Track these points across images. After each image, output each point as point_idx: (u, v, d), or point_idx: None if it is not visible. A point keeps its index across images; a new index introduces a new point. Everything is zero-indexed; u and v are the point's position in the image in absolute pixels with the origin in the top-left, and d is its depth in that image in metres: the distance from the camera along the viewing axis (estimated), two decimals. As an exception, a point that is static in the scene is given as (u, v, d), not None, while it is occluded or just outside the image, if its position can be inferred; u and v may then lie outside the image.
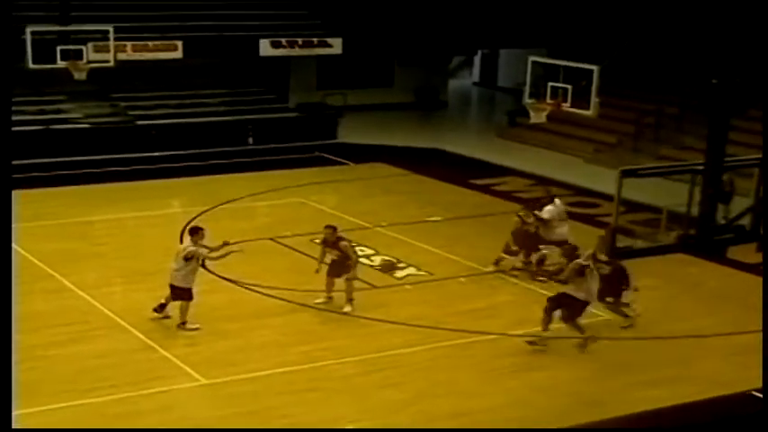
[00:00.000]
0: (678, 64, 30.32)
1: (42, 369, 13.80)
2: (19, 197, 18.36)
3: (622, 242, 19.38)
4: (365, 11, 32.83)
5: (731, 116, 20.37)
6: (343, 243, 16.27)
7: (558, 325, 14.89)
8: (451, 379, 14.08)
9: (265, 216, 22.39)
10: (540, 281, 17.35)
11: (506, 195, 23.56)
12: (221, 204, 22.26)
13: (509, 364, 14.48)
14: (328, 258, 16.40)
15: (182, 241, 19.37)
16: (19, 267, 16.91)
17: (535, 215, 17.98)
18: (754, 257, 19.65)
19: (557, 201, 18.58)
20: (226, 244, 15.65)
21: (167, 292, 15.55)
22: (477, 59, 43.43)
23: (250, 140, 29.26)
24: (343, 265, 16.24)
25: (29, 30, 24.25)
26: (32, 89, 28.05)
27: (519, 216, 18.09)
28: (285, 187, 24.22)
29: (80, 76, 25.26)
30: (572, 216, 22.52)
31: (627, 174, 19.61)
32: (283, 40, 30.74)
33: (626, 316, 16.01)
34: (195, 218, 20.54)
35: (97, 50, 25.66)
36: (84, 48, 25.04)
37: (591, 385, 14.05)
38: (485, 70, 43.65)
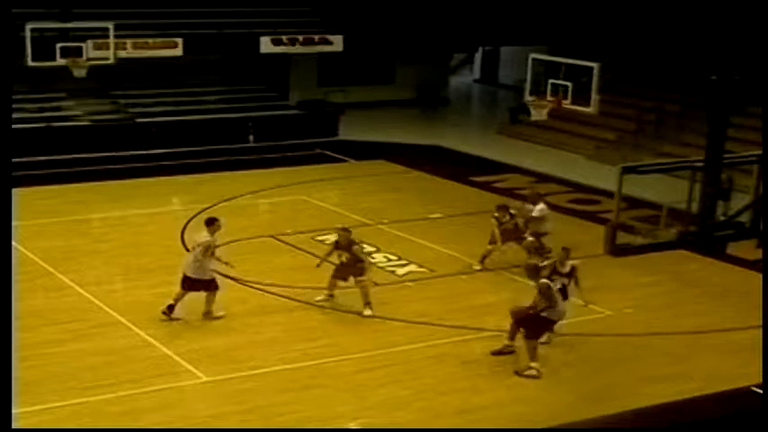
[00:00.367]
0: (678, 61, 30.30)
1: (43, 367, 13.76)
2: (19, 195, 18.41)
3: (623, 239, 19.59)
4: (366, 8, 32.79)
5: (730, 113, 20.55)
6: (356, 247, 16.13)
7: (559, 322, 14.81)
8: (454, 376, 14.06)
9: (267, 213, 22.39)
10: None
11: (507, 192, 23.53)
12: (222, 202, 22.25)
13: (511, 361, 14.45)
14: (335, 258, 16.28)
15: (183, 239, 19.48)
16: (19, 265, 16.96)
17: (512, 214, 18.19)
18: (754, 254, 19.79)
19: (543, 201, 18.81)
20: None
21: (169, 290, 15.53)
22: (478, 57, 43.41)
23: (251, 138, 29.24)
24: (352, 267, 16.04)
25: (28, 27, 24.27)
26: (32, 86, 28.04)
27: (495, 217, 18.15)
28: (286, 185, 24.23)
29: (80, 73, 25.29)
30: (573, 213, 22.66)
31: (627, 171, 19.84)
32: (284, 38, 30.72)
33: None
34: (196, 215, 20.54)
35: (97, 48, 25.71)
36: (83, 45, 25.07)
37: (593, 382, 14.05)
38: (486, 67, 43.63)
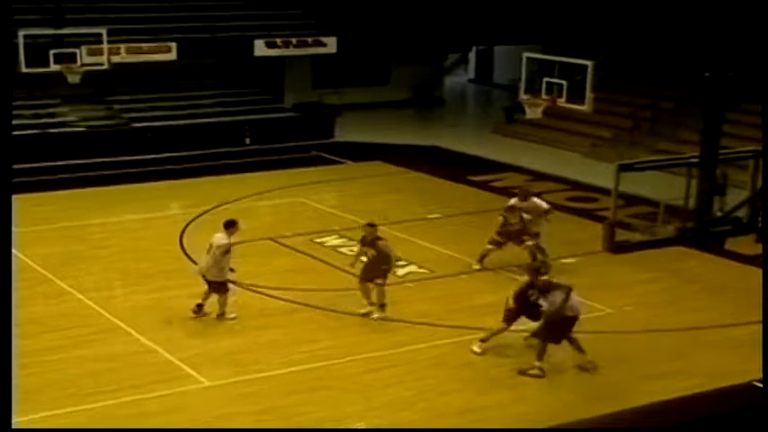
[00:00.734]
0: (673, 58, 30.35)
1: (43, 374, 13.74)
2: (16, 202, 18.35)
3: (621, 236, 19.60)
4: (359, 9, 32.82)
5: (725, 109, 20.58)
6: (381, 242, 15.84)
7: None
8: (457, 376, 14.08)
9: (265, 216, 22.38)
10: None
11: (505, 191, 23.53)
12: (221, 205, 22.23)
13: (513, 361, 14.46)
14: (364, 257, 16.02)
15: (182, 244, 19.49)
16: (18, 272, 16.92)
17: (522, 217, 17.98)
18: (753, 249, 19.82)
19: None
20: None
21: (169, 295, 15.55)
22: (472, 56, 43.44)
23: (247, 141, 29.24)
24: (376, 268, 15.77)
25: (21, 33, 24.26)
26: (27, 93, 28.01)
27: (503, 216, 18.08)
28: (284, 187, 24.23)
29: (74, 79, 25.28)
30: (571, 211, 22.68)
31: (624, 168, 19.83)
32: (278, 40, 30.74)
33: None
34: (195, 219, 20.53)
35: (91, 53, 25.71)
36: (77, 51, 25.05)
37: (594, 380, 14.06)
38: (480, 67, 43.68)
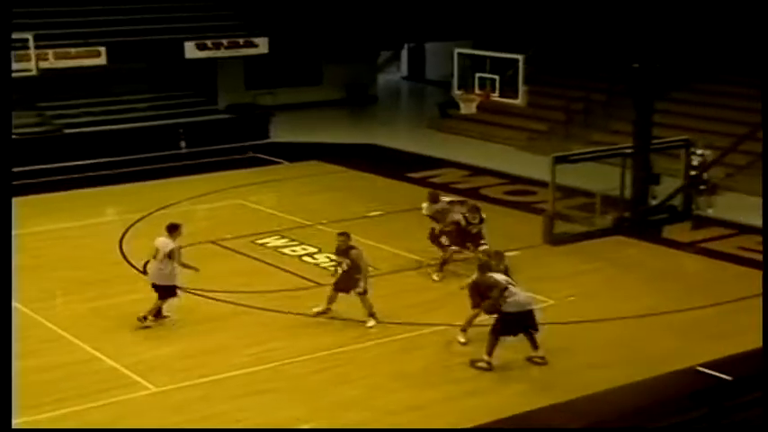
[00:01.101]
0: (603, 50, 30.77)
1: (-14, 387, 13.47)
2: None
3: (561, 228, 19.84)
4: (290, 9, 32.72)
5: (655, 99, 20.96)
6: (354, 252, 15.55)
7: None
8: (404, 372, 14.11)
9: (204, 219, 22.15)
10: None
11: (444, 187, 23.62)
12: (158, 210, 21.96)
13: (459, 355, 14.54)
14: (341, 267, 15.70)
15: (121, 249, 19.23)
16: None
17: (482, 218, 17.78)
18: (689, 236, 20.21)
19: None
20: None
21: (109, 303, 15.35)
22: (404, 54, 43.57)
23: (182, 144, 28.95)
24: (351, 277, 15.58)
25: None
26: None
27: (464, 216, 17.71)
28: (222, 189, 24.04)
29: (3, 86, 24.74)
30: (509, 204, 22.88)
31: (559, 160, 20.11)
32: (208, 42, 30.50)
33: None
34: (133, 224, 20.27)
35: (18, 60, 25.14)
36: (5, 57, 24.53)
37: (541, 370, 14.20)
38: (413, 64, 43.84)
